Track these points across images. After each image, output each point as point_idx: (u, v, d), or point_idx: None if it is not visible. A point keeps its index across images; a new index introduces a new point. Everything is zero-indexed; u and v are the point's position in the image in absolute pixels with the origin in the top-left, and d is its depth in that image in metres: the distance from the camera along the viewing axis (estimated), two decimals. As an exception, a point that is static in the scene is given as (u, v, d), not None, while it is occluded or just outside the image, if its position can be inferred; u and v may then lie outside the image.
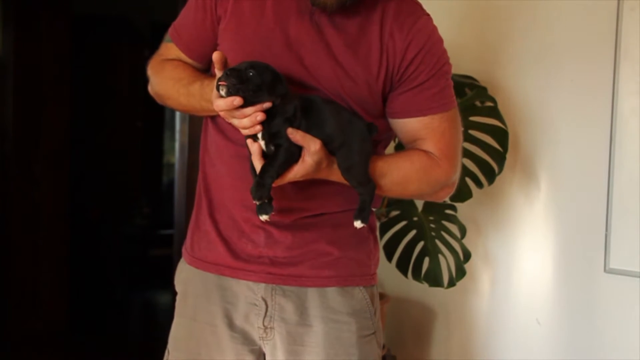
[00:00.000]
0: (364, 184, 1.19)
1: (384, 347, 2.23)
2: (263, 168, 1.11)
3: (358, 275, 1.31)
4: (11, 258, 3.79)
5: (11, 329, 3.75)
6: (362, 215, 1.21)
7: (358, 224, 1.21)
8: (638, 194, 1.91)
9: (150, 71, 1.38)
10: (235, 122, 1.11)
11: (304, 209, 1.26)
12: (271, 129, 1.10)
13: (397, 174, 1.24)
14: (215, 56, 1.11)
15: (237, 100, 1.07)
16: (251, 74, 1.07)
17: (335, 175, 1.19)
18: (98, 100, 5.01)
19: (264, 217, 1.18)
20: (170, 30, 1.37)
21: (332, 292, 1.28)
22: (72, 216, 4.08)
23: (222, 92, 1.07)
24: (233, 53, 1.20)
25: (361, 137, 1.16)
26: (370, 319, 1.31)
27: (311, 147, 1.11)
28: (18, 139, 3.78)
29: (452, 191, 1.32)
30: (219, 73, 1.11)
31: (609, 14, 1.95)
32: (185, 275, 1.36)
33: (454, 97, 1.29)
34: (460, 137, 1.32)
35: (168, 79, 1.33)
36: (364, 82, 1.21)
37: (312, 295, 1.27)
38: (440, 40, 1.27)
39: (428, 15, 1.27)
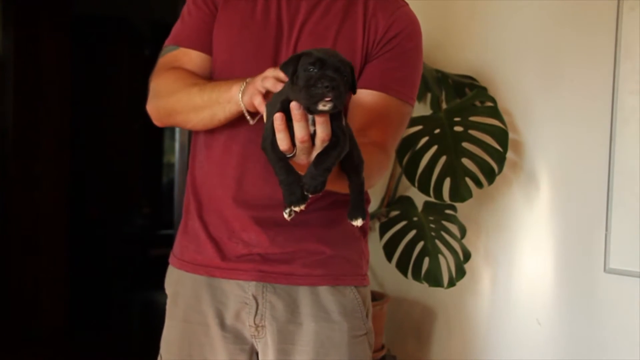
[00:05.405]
0: (360, 173, 1.10)
1: (383, 347, 2.23)
2: (320, 158, 0.99)
3: (350, 275, 1.30)
4: (11, 258, 3.80)
5: (11, 329, 3.75)
6: (360, 212, 1.10)
7: (359, 222, 1.10)
8: (638, 194, 1.91)
9: (157, 82, 1.34)
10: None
11: None
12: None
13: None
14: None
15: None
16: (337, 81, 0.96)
17: None
18: (98, 100, 5.00)
19: (301, 207, 1.02)
20: (170, 41, 1.35)
21: (323, 290, 1.27)
22: (72, 216, 4.08)
23: (326, 108, 0.95)
24: (224, 39, 1.26)
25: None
26: (362, 319, 1.30)
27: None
28: (18, 139, 3.78)
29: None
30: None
31: (609, 14, 1.95)
32: (175, 278, 1.36)
33: (414, 94, 1.30)
34: (399, 136, 1.32)
35: (179, 83, 1.28)
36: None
37: (304, 293, 1.27)
38: (420, 33, 1.30)
39: (409, 6, 1.31)
